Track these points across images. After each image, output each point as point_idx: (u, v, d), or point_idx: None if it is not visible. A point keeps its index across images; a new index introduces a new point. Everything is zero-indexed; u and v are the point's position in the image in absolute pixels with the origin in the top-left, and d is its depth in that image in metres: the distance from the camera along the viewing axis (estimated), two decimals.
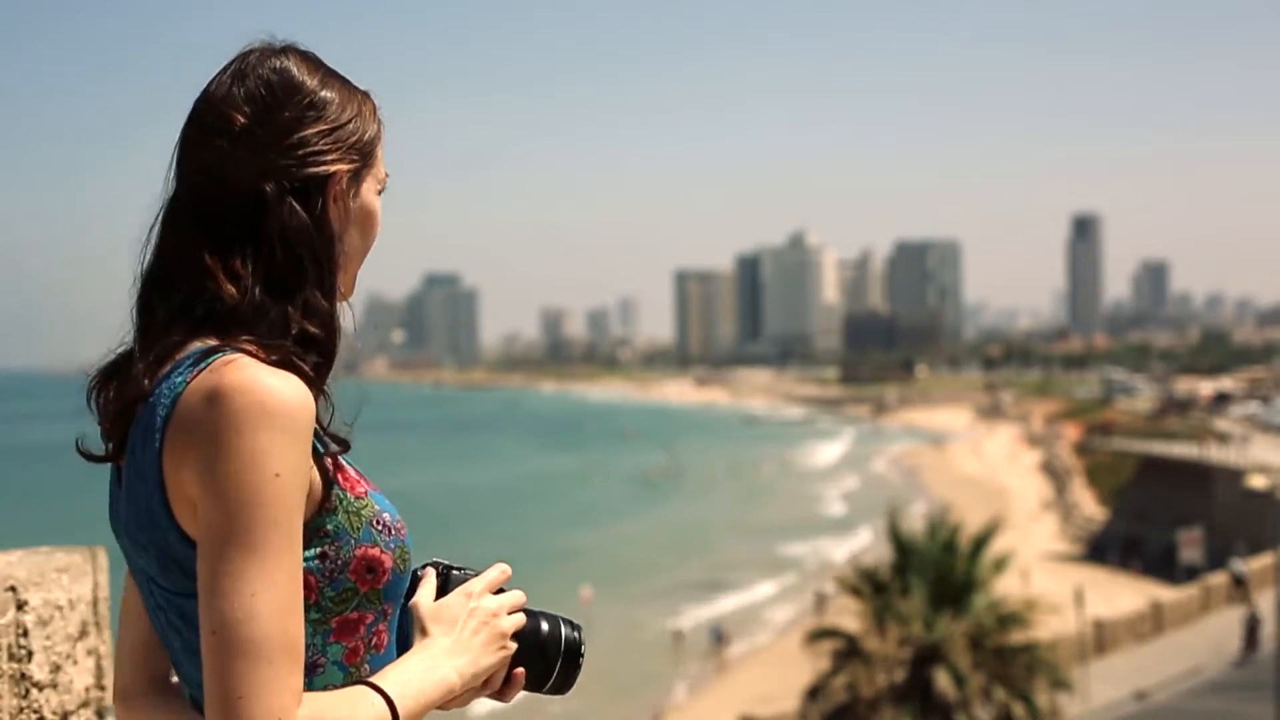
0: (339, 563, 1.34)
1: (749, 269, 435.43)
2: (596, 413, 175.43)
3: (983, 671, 20.24)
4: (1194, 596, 35.03)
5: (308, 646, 1.31)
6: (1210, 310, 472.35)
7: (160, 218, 1.42)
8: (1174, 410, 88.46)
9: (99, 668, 2.43)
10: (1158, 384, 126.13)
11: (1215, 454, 53.66)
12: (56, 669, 2.26)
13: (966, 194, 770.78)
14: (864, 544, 49.77)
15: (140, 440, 1.32)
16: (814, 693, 20.98)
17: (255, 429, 1.24)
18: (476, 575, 1.51)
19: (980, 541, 22.31)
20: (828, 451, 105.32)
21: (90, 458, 1.43)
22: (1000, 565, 22.34)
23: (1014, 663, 20.67)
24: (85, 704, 2.36)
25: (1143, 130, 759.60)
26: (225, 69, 1.43)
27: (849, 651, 20.88)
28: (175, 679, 1.52)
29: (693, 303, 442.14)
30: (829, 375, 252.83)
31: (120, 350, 1.42)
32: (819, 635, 22.07)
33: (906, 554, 21.99)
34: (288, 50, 1.44)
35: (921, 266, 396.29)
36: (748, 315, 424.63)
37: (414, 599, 1.45)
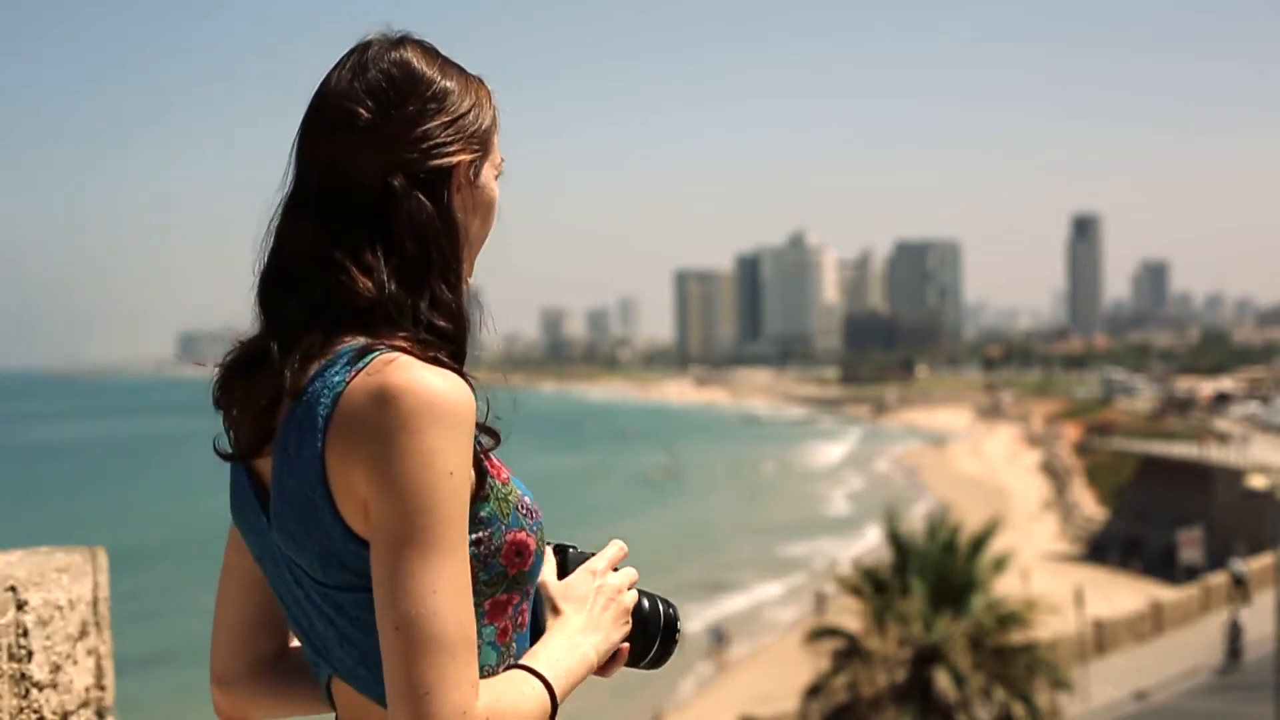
0: (492, 548, 1.36)
1: (749, 269, 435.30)
2: (597, 413, 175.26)
3: (983, 671, 20.24)
4: (1194, 596, 35.00)
5: None
6: (1210, 310, 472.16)
7: (282, 213, 1.42)
8: (1174, 410, 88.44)
9: (99, 668, 2.43)
10: (1158, 384, 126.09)
11: (1215, 454, 53.65)
12: (56, 669, 2.26)
13: (966, 194, 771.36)
14: (866, 544, 49.73)
15: (296, 439, 1.32)
16: (814, 692, 20.99)
17: (427, 428, 1.25)
18: (593, 554, 1.55)
19: (980, 542, 22.31)
20: (830, 452, 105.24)
21: (226, 456, 1.43)
22: (1000, 565, 22.33)
23: (1014, 663, 20.67)
24: (85, 704, 2.36)
25: (1143, 130, 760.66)
26: (343, 62, 1.43)
27: (849, 651, 20.89)
28: (277, 662, 1.55)
29: (693, 303, 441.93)
30: (829, 375, 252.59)
31: (245, 347, 1.42)
32: (819, 635, 22.07)
33: (906, 554, 21.99)
34: (406, 41, 1.44)
35: (921, 266, 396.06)
36: (748, 315, 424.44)
37: (540, 578, 1.47)
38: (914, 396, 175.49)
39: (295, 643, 1.56)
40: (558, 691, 1.36)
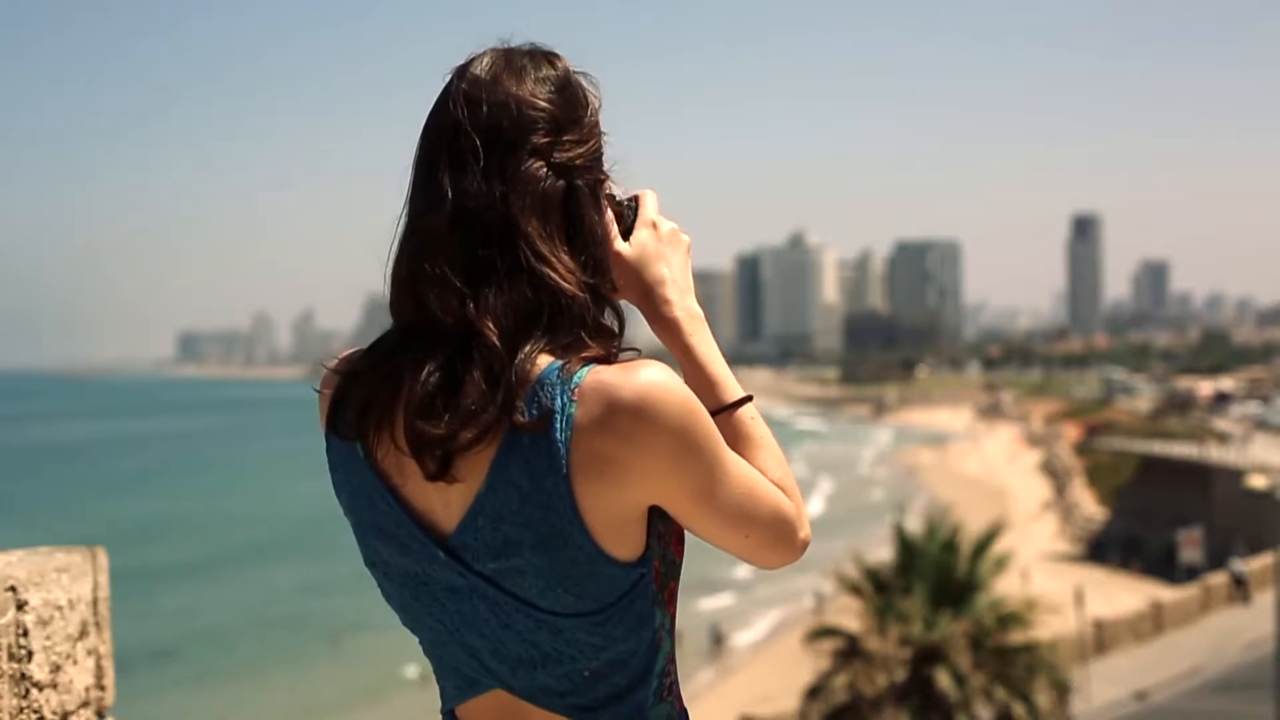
0: (667, 539, 1.41)
1: (749, 269, 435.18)
2: None
3: (983, 671, 20.24)
4: (1194, 596, 35.01)
5: (656, 628, 1.40)
6: (1210, 310, 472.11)
7: (451, 215, 1.36)
8: (1174, 410, 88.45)
9: (99, 668, 2.42)
10: (1158, 384, 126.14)
11: (1215, 454, 53.68)
12: (56, 669, 2.26)
13: (966, 194, 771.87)
14: (871, 546, 49.65)
15: (525, 469, 1.30)
16: (815, 692, 20.97)
17: (676, 415, 1.31)
18: (630, 201, 1.58)
19: (983, 543, 22.28)
20: (835, 453, 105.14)
21: (432, 477, 1.35)
22: (1000, 565, 22.33)
23: (1014, 663, 20.66)
24: (85, 704, 2.36)
25: (1143, 130, 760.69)
26: (502, 65, 1.42)
27: (850, 651, 20.88)
28: None
29: None
30: (829, 375, 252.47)
31: (400, 356, 1.36)
32: (819, 635, 22.05)
33: (908, 554, 21.98)
34: (558, 57, 1.47)
35: (921, 266, 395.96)
36: (748, 315, 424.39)
37: (617, 248, 1.51)
38: (914, 396, 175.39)
39: None
40: (741, 388, 1.52)
